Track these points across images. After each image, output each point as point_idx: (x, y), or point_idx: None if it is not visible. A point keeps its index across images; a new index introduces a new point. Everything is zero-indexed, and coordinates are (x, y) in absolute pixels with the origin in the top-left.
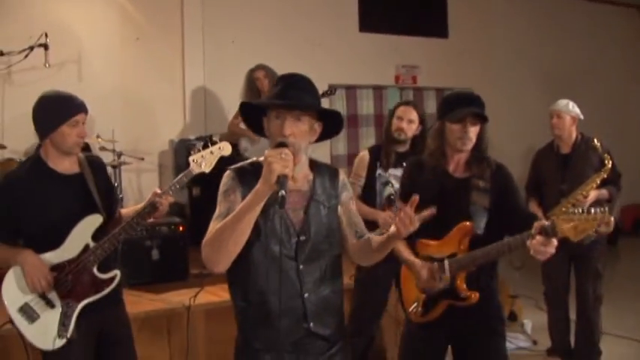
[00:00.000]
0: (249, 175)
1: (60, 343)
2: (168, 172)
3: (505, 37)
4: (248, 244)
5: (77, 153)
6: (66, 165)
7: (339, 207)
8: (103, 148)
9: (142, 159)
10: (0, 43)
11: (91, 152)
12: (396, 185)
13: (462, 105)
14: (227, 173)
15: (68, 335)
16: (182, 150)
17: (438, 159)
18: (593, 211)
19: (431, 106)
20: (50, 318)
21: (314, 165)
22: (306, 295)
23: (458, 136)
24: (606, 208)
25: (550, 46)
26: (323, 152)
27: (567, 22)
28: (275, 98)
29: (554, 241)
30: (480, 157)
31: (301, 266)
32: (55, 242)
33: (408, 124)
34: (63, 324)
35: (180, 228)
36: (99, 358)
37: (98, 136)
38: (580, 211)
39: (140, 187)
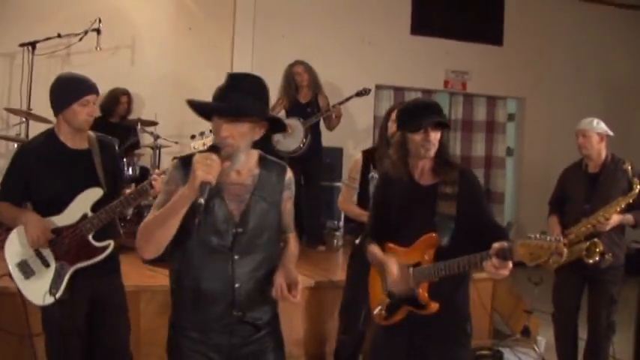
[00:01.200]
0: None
1: (50, 300)
2: None
3: (562, 47)
4: (186, 231)
5: (86, 130)
6: (76, 141)
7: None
8: (143, 130)
9: (177, 143)
10: (58, 26)
11: (136, 134)
12: None
13: (421, 114)
14: (173, 163)
15: (59, 294)
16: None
17: (400, 169)
18: (548, 239)
19: (481, 113)
20: (44, 276)
21: (263, 160)
22: (237, 285)
23: (420, 144)
24: (560, 238)
25: (609, 58)
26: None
27: (627, 34)
28: (216, 99)
29: (509, 264)
30: (444, 162)
31: (236, 257)
32: (58, 209)
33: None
34: (55, 283)
35: None
36: (92, 324)
37: (139, 120)
38: (536, 237)
39: None
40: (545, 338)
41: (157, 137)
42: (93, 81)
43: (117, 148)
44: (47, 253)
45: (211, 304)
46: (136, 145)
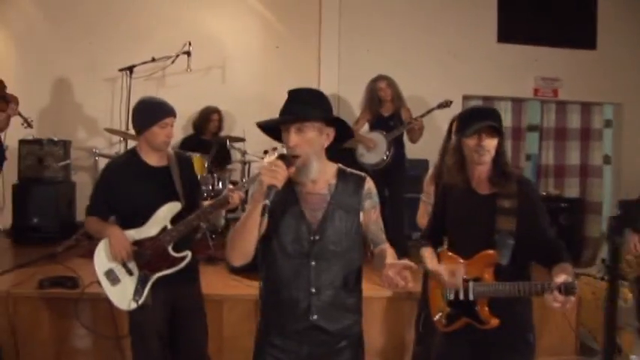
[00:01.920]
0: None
1: (134, 305)
2: None
3: None
4: (269, 238)
5: (165, 150)
6: (156, 158)
7: (361, 214)
8: (232, 147)
9: (263, 158)
10: (153, 50)
11: (227, 148)
12: None
13: (476, 119)
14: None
15: (142, 300)
16: None
17: (456, 175)
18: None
19: (575, 120)
20: (129, 283)
21: (341, 172)
22: (313, 290)
23: (474, 149)
24: (624, 283)
25: None
26: None
27: None
28: (281, 114)
29: (572, 299)
30: (502, 171)
31: (312, 263)
32: (140, 222)
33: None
34: (138, 290)
35: None
36: (173, 328)
37: (228, 137)
38: (601, 278)
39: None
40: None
41: (244, 153)
42: (171, 105)
43: (206, 164)
44: (131, 263)
45: (289, 309)
46: (227, 160)
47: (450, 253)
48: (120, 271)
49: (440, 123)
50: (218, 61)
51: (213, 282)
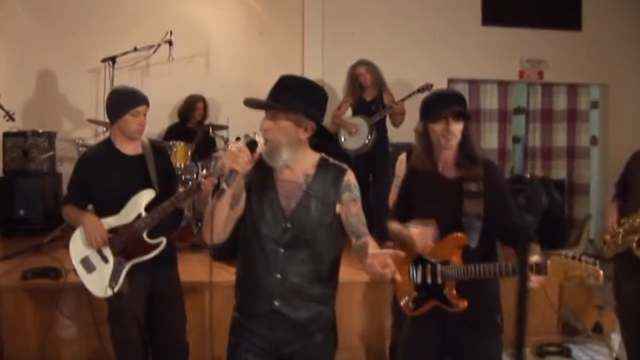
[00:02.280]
0: None
1: (110, 292)
2: None
3: None
4: (244, 223)
5: (138, 138)
6: (130, 147)
7: (339, 205)
8: (215, 134)
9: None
10: (135, 40)
11: (212, 135)
12: None
13: (442, 104)
14: None
15: (117, 287)
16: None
17: (424, 160)
18: (584, 260)
19: (561, 102)
20: (104, 271)
21: (322, 163)
22: (278, 276)
23: (441, 134)
24: (597, 262)
25: None
26: None
27: None
28: (267, 98)
29: (541, 278)
30: (468, 155)
31: (281, 250)
32: (115, 209)
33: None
34: (114, 277)
35: None
36: (150, 314)
37: (210, 125)
38: (572, 257)
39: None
40: (619, 336)
41: (226, 140)
42: (143, 93)
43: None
44: (106, 249)
45: (256, 291)
46: (211, 148)
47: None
48: (95, 258)
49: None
50: (202, 49)
51: (197, 269)
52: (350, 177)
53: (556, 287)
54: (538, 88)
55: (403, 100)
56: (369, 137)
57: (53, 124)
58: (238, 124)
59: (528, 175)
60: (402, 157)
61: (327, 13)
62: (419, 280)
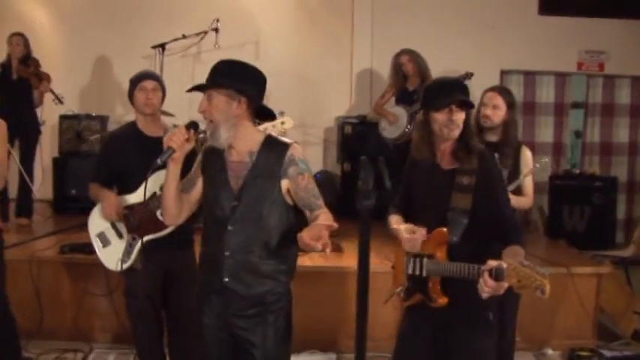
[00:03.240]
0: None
1: (123, 266)
2: (333, 147)
3: None
4: (203, 203)
5: (147, 113)
6: (151, 129)
7: (286, 181)
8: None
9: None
10: (188, 27)
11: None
12: None
13: (445, 92)
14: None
15: (130, 262)
16: (345, 127)
17: (423, 150)
18: (537, 272)
19: (624, 95)
20: (118, 246)
21: (267, 141)
22: (227, 253)
23: (444, 123)
24: (546, 275)
25: None
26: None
27: None
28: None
29: (504, 285)
30: (466, 146)
31: (229, 227)
32: (134, 188)
33: (493, 110)
34: (127, 252)
35: None
36: (165, 292)
37: None
38: (527, 266)
39: (307, 159)
40: None
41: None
42: (153, 72)
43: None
44: (121, 226)
45: (210, 268)
46: None
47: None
48: (111, 233)
49: (477, 95)
50: (252, 37)
51: None
52: (294, 151)
53: (591, 290)
54: (599, 81)
55: None
56: (408, 127)
57: (107, 109)
58: (288, 112)
59: (577, 171)
60: None
61: (377, 2)
62: (410, 271)
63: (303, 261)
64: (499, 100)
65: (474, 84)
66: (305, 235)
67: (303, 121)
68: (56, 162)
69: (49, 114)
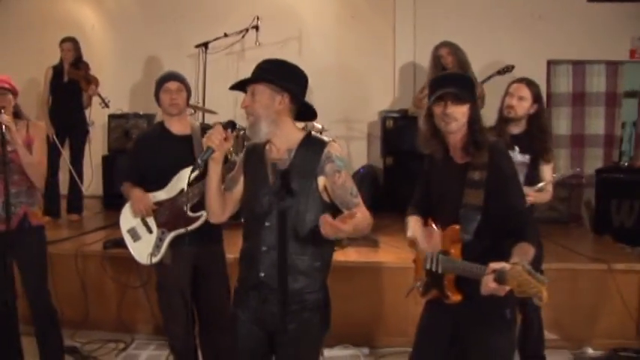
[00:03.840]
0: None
1: (152, 260)
2: (377, 141)
3: None
4: (243, 201)
5: (173, 114)
6: (179, 127)
7: (322, 178)
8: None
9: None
10: (233, 25)
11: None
12: None
13: (440, 85)
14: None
15: (159, 256)
16: (387, 121)
17: (433, 144)
18: (537, 278)
19: None
20: (148, 240)
21: (306, 139)
22: (264, 248)
23: (440, 117)
24: (545, 281)
25: None
26: None
27: None
28: None
29: (505, 287)
30: (474, 140)
31: (267, 223)
32: (162, 185)
33: (519, 101)
34: (157, 247)
35: None
36: (195, 286)
37: None
38: (528, 272)
39: (349, 154)
40: None
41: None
42: (177, 73)
43: None
44: (151, 221)
45: (247, 264)
46: None
47: (431, 220)
48: (141, 228)
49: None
50: (294, 33)
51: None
52: (331, 149)
53: (635, 288)
54: None
55: (482, 82)
56: None
57: (156, 107)
58: (331, 109)
59: (626, 164)
60: None
61: None
62: (427, 266)
63: (338, 256)
64: (525, 92)
65: (520, 76)
66: (324, 220)
67: (347, 115)
68: (105, 160)
69: (99, 113)
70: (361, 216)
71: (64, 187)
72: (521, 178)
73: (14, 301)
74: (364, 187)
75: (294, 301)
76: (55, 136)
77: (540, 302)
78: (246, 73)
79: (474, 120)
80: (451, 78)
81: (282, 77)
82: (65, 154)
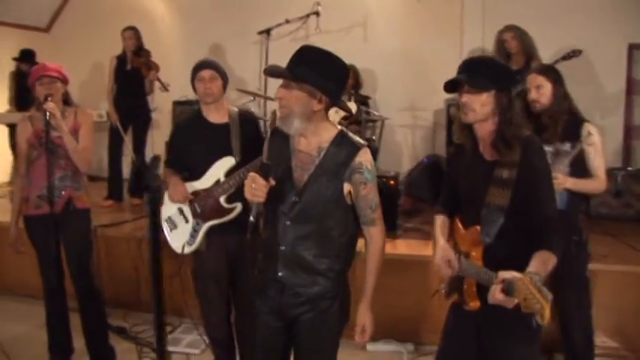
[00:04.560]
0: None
1: (188, 249)
2: (442, 130)
3: None
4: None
5: (208, 102)
6: (216, 116)
7: (348, 185)
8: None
9: (357, 122)
10: (296, 11)
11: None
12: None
13: (459, 71)
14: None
15: (194, 245)
16: (451, 109)
17: (464, 137)
18: (543, 294)
19: None
20: (184, 229)
21: (339, 138)
22: (282, 247)
23: (460, 107)
24: (549, 297)
25: None
26: (616, 120)
27: None
28: (285, 68)
29: (513, 300)
30: (502, 136)
31: (288, 222)
32: (200, 174)
33: (538, 91)
34: (192, 236)
35: (392, 182)
36: (232, 276)
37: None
38: (535, 285)
39: (414, 143)
40: None
41: (366, 112)
42: (210, 60)
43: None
44: (187, 211)
45: (266, 260)
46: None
47: (457, 220)
48: (178, 217)
49: (600, 75)
50: (359, 19)
51: None
52: (363, 158)
53: None
54: None
55: None
56: None
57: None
58: (397, 97)
59: None
60: None
61: None
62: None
63: (387, 249)
64: (540, 79)
65: (597, 61)
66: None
67: (413, 103)
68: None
69: (165, 100)
70: (376, 251)
71: (126, 172)
72: (567, 168)
73: (62, 280)
74: (425, 178)
75: (310, 299)
76: (118, 123)
77: (542, 321)
78: None
79: (502, 112)
80: (469, 63)
81: (323, 75)
82: (128, 140)
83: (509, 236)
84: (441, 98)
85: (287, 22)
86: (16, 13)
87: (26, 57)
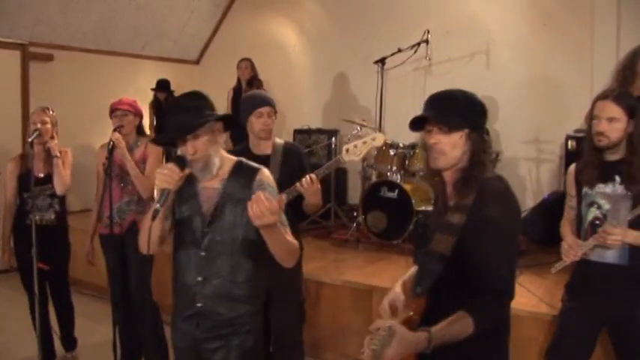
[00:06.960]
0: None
1: None
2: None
3: None
4: (175, 228)
5: (265, 138)
6: (261, 148)
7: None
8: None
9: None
10: (414, 40)
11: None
12: (606, 206)
13: (424, 108)
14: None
15: None
16: (569, 142)
17: (432, 182)
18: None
19: None
20: None
21: (237, 166)
22: (199, 279)
23: (427, 149)
24: None
25: None
26: None
27: None
28: (167, 129)
29: None
30: (463, 177)
31: (202, 253)
32: None
33: (609, 123)
34: None
35: None
36: (267, 305)
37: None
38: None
39: (539, 178)
40: None
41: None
42: (267, 96)
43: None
44: None
45: (182, 295)
46: None
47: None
48: None
49: None
50: (482, 45)
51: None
52: (262, 176)
53: None
54: None
55: None
56: None
57: (340, 123)
58: (521, 127)
59: None
60: (571, 169)
61: None
62: None
63: None
64: (615, 110)
65: None
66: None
67: (538, 135)
68: None
69: (286, 129)
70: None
71: None
72: (623, 215)
73: (125, 293)
74: (539, 216)
75: (228, 326)
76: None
77: None
78: (433, 88)
79: (474, 154)
80: (437, 98)
81: (202, 108)
82: None
83: (448, 290)
84: (569, 129)
85: (399, 51)
86: (170, 47)
87: (162, 86)
